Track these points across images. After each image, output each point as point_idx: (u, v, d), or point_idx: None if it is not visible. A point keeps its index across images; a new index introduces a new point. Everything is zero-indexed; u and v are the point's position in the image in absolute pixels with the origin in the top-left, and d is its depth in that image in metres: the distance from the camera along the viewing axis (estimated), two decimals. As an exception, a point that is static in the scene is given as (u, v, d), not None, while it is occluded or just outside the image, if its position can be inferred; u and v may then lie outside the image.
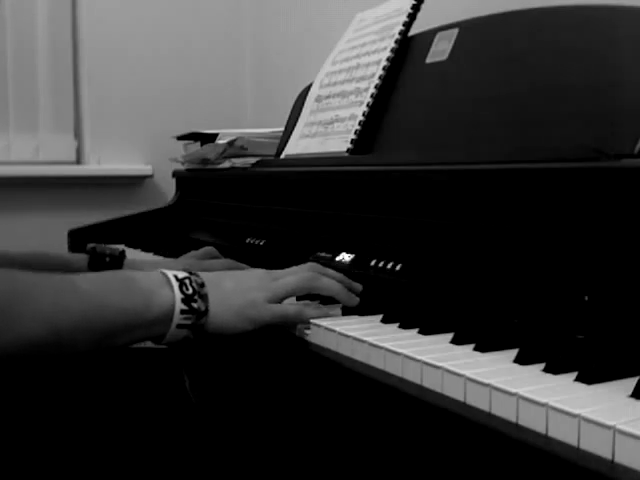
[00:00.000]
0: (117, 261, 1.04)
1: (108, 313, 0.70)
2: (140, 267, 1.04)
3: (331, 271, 0.83)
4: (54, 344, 0.67)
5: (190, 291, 0.74)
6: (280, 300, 0.78)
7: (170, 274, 0.74)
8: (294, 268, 0.83)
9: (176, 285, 0.73)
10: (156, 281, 0.74)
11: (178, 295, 0.73)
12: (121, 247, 1.08)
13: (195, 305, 0.73)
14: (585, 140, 0.75)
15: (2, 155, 2.10)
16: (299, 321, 0.77)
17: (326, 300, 0.83)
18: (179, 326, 0.73)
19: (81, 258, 1.04)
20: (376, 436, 0.63)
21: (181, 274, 0.75)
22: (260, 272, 0.82)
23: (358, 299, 0.81)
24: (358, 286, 0.84)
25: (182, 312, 0.73)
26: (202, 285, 0.75)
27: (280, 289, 0.78)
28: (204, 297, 0.74)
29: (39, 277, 0.69)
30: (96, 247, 1.05)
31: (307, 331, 0.76)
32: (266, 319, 0.76)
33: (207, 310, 0.74)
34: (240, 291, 0.77)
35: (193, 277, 0.75)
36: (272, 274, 0.81)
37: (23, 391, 0.91)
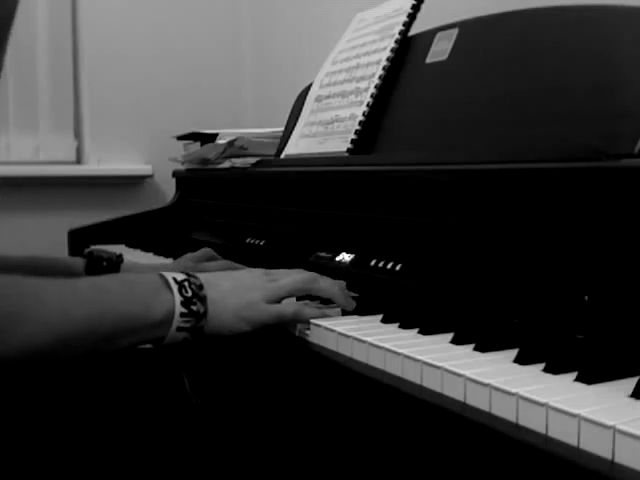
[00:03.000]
0: (114, 265, 1.04)
1: (109, 318, 0.69)
2: (137, 271, 1.04)
3: (327, 278, 0.83)
4: (57, 349, 0.67)
5: (189, 293, 0.73)
6: (278, 300, 0.78)
7: (169, 277, 0.74)
8: (293, 270, 0.83)
9: (175, 288, 0.73)
10: (156, 284, 0.74)
11: (178, 298, 0.73)
12: (118, 251, 1.07)
13: (194, 308, 0.73)
14: (585, 140, 0.75)
15: (2, 155, 2.10)
16: (297, 321, 0.77)
17: (327, 300, 0.83)
18: (179, 329, 0.73)
19: (78, 262, 1.04)
20: (376, 436, 0.63)
21: (180, 276, 0.75)
22: (257, 272, 0.82)
23: (355, 303, 0.81)
24: (353, 298, 0.83)
25: (182, 315, 0.72)
26: (201, 287, 0.75)
27: (277, 289, 0.78)
28: (203, 299, 0.74)
29: (43, 282, 0.68)
30: (93, 251, 1.04)
31: (307, 331, 0.76)
32: (263, 319, 0.76)
33: (206, 312, 0.74)
34: (237, 292, 0.77)
35: (192, 279, 0.75)
36: (270, 274, 0.81)
37: (22, 393, 0.91)
